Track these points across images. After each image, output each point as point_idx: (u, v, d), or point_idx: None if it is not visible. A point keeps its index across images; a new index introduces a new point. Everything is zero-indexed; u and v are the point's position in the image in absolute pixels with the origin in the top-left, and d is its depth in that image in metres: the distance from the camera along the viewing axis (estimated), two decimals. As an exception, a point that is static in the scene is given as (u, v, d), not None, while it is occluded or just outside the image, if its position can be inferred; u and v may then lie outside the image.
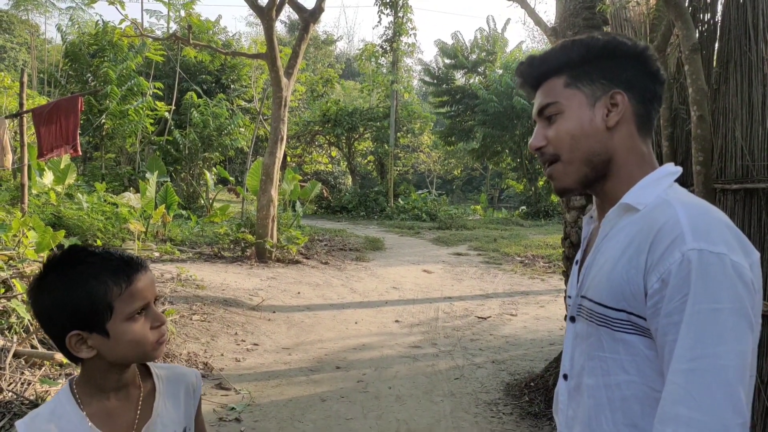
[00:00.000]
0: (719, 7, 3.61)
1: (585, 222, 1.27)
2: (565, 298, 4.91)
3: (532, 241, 14.21)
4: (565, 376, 1.18)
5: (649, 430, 1.00)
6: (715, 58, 3.59)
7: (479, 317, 7.38)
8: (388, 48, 21.84)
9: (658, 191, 1.08)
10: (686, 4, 3.64)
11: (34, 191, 11.10)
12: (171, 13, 20.36)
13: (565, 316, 1.17)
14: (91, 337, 1.14)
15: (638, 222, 1.05)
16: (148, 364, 1.29)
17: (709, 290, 0.92)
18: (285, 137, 10.51)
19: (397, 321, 7.12)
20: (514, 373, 5.29)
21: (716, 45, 3.58)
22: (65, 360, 4.16)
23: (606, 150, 1.13)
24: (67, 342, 1.14)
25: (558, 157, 1.16)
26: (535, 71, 1.20)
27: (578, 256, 1.25)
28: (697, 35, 3.64)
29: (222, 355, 5.45)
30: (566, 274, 4.78)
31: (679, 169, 1.13)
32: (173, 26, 21.17)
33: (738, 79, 3.36)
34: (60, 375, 4.05)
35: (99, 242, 6.08)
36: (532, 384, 4.85)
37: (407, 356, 5.76)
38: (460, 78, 26.87)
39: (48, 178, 12.30)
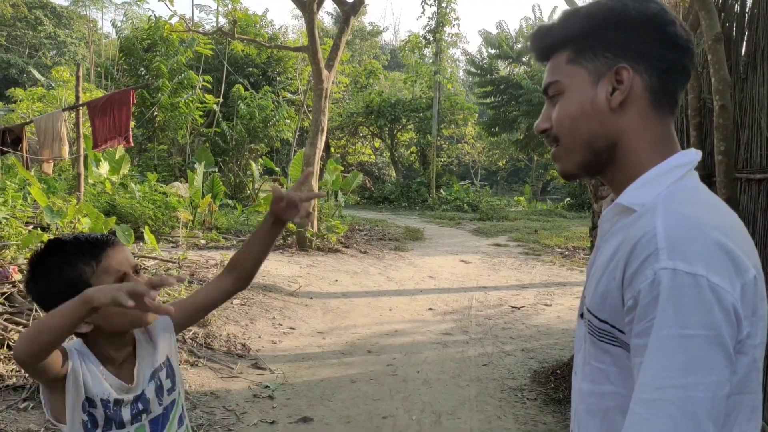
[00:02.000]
0: (749, -3, 3.58)
1: (600, 221, 1.11)
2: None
3: (573, 232, 14.08)
4: (576, 373, 1.12)
5: None
6: (743, 47, 3.57)
7: (513, 307, 7.44)
8: (432, 39, 21.83)
9: (660, 189, 0.96)
10: (713, -6, 3.63)
11: (90, 181, 11.67)
12: (220, 8, 20.86)
13: (579, 313, 1.11)
14: None
15: (627, 227, 0.95)
16: None
17: (679, 314, 0.83)
18: (326, 128, 10.74)
19: (430, 309, 7.26)
20: (542, 361, 5.36)
21: (745, 34, 3.57)
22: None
23: (609, 134, 1.01)
24: None
25: (557, 139, 1.06)
26: (541, 44, 1.09)
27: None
28: (727, 24, 3.64)
29: (259, 337, 5.70)
30: (594, 264, 4.82)
31: (693, 159, 1.00)
32: (222, 21, 21.71)
33: (765, 68, 3.35)
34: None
35: (147, 229, 6.42)
36: (558, 371, 4.92)
37: (438, 342, 5.89)
38: (504, 68, 26.62)
39: (104, 168, 12.91)
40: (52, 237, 1.43)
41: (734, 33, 3.63)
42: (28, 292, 1.39)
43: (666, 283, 0.84)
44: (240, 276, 1.57)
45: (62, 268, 1.33)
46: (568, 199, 23.18)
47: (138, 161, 18.70)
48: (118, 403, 1.37)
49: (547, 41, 1.08)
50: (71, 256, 1.34)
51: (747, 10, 3.56)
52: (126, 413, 1.38)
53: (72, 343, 1.40)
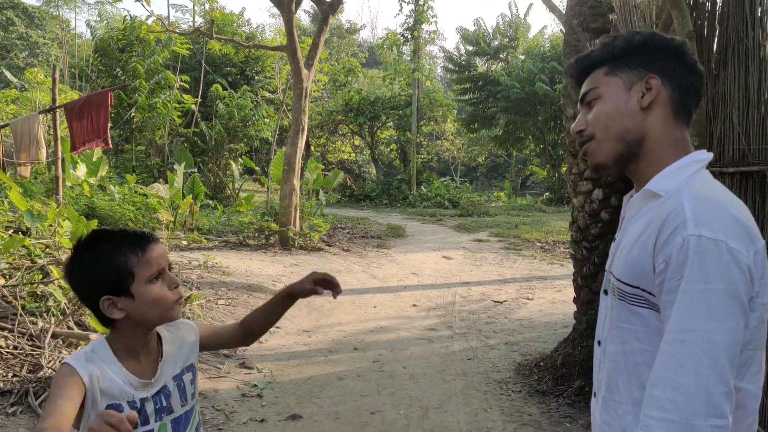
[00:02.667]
0: (719, -5, 3.69)
1: (624, 202, 1.34)
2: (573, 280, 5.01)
3: (553, 227, 14.26)
4: (599, 343, 1.31)
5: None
6: (715, 44, 3.68)
7: (495, 301, 7.54)
8: (410, 36, 21.90)
9: (681, 179, 1.16)
10: (685, -7, 3.73)
11: (68, 183, 11.53)
12: (196, 7, 20.70)
13: (603, 289, 1.32)
14: (120, 300, 1.38)
15: (656, 208, 1.15)
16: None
17: (703, 272, 1.02)
18: (306, 127, 10.74)
19: (414, 305, 7.33)
20: (525, 354, 5.45)
21: (716, 31, 3.68)
22: (99, 340, 4.47)
23: (639, 129, 1.21)
24: (101, 306, 1.38)
25: (593, 136, 1.25)
26: (580, 66, 1.31)
27: (616, 235, 1.35)
28: (699, 22, 3.74)
29: (245, 337, 5.72)
30: (575, 258, 4.92)
31: (708, 156, 1.20)
32: (198, 20, 21.55)
33: (735, 65, 3.45)
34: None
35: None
36: (542, 364, 5.01)
37: (423, 338, 5.96)
38: (482, 65, 26.80)
39: (81, 170, 12.75)
40: (97, 228, 1.50)
41: (705, 30, 3.73)
42: (68, 276, 1.43)
43: (693, 247, 1.04)
44: (249, 336, 1.74)
45: (111, 254, 1.39)
46: (548, 193, 23.44)
47: (115, 163, 18.50)
48: (143, 401, 1.43)
49: (587, 62, 1.29)
50: (120, 244, 1.40)
51: (717, 7, 3.67)
52: (150, 408, 1.44)
53: (87, 347, 1.44)
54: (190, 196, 12.30)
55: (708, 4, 3.76)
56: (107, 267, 1.38)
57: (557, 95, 20.78)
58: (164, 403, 1.47)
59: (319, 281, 1.63)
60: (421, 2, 21.45)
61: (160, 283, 1.42)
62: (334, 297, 1.64)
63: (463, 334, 6.10)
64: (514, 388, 4.64)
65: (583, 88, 1.30)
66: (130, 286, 1.38)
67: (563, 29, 5.77)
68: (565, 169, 22.41)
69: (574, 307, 7.32)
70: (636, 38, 1.24)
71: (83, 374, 1.33)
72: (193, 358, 1.59)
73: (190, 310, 5.84)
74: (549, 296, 7.85)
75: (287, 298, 1.68)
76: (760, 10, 3.39)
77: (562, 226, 14.30)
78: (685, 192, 1.12)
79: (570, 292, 8.04)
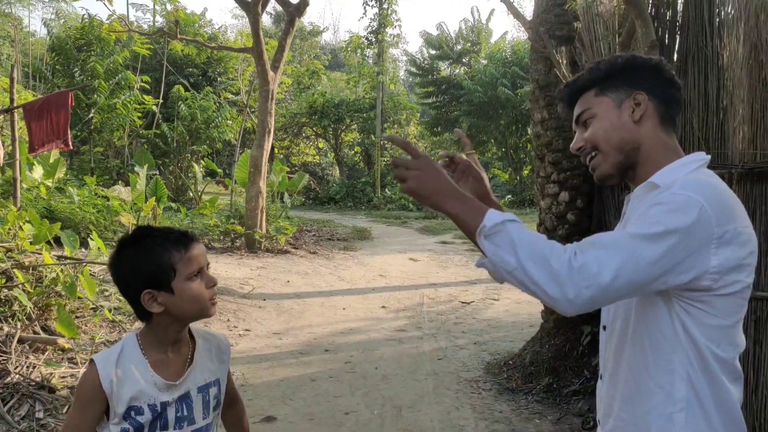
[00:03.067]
0: (679, 6, 3.86)
1: (625, 202, 1.46)
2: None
3: (516, 229, 14.50)
4: (605, 327, 1.42)
5: (654, 356, 1.25)
6: (675, 52, 3.84)
7: (463, 302, 7.65)
8: (374, 39, 21.98)
9: (680, 175, 1.28)
10: (648, 3, 3.89)
11: (24, 185, 11.20)
12: (157, 7, 20.34)
13: None
14: (160, 294, 1.43)
15: (654, 195, 1.27)
16: (191, 328, 1.57)
17: (667, 212, 1.15)
18: (272, 130, 10.70)
19: (383, 307, 7.38)
20: (494, 353, 5.56)
21: (677, 40, 3.84)
22: (67, 345, 4.38)
23: (635, 139, 1.34)
24: (142, 299, 1.42)
25: (596, 149, 1.38)
26: (569, 90, 1.44)
27: (617, 227, 1.47)
28: (660, 31, 3.90)
29: (215, 340, 5.67)
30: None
31: (704, 157, 1.32)
32: (159, 20, 21.18)
33: (695, 72, 3.61)
34: (63, 359, 4.27)
35: (95, 234, 6.27)
36: (510, 362, 5.12)
37: (393, 339, 6.02)
38: (445, 69, 27.07)
39: (38, 172, 12.38)
40: (142, 225, 1.54)
41: (667, 39, 3.90)
42: (112, 269, 1.47)
43: (673, 196, 1.18)
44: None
45: (155, 249, 1.43)
46: (509, 196, 23.80)
47: (72, 164, 18.01)
48: (164, 405, 1.45)
49: (576, 86, 1.43)
50: (164, 240, 1.45)
51: (678, 17, 3.83)
52: (171, 414, 1.46)
53: (117, 346, 1.48)
54: (153, 198, 12.07)
55: (669, 13, 3.93)
56: (151, 261, 1.42)
57: (519, 100, 21.15)
58: (185, 412, 1.49)
59: None
60: (385, 6, 21.57)
61: (199, 280, 1.46)
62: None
63: (432, 335, 6.18)
64: (484, 386, 4.73)
65: (576, 110, 1.43)
66: (171, 282, 1.42)
67: (527, 36, 5.91)
68: (527, 172, 22.85)
69: (539, 307, 7.49)
70: (618, 61, 1.38)
71: (104, 379, 1.39)
72: (221, 374, 1.61)
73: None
74: (514, 297, 8.00)
75: None
76: (718, 20, 3.55)
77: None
78: (679, 180, 1.25)
79: (535, 293, 8.23)
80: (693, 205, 1.15)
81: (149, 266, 1.43)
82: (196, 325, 1.59)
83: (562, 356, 4.69)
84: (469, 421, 4.07)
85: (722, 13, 3.53)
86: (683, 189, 1.18)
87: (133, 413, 1.41)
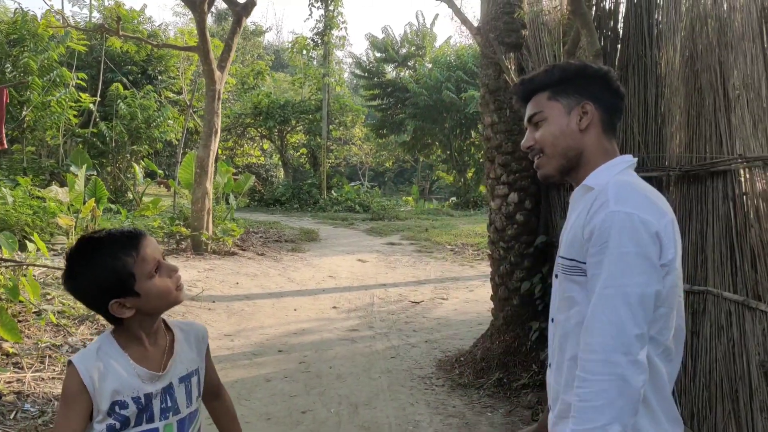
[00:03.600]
0: (621, 17, 4.08)
1: (570, 200, 1.59)
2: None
3: (461, 230, 14.80)
4: (552, 320, 1.53)
5: None
6: (616, 61, 4.05)
7: (413, 302, 7.77)
8: (319, 41, 21.94)
9: (611, 175, 1.43)
10: (592, 14, 4.10)
11: (-49, 186, 10.62)
12: (94, 2, 19.66)
13: (555, 274, 1.58)
14: (127, 300, 1.43)
15: (590, 198, 1.40)
16: (167, 320, 1.58)
17: (620, 239, 1.27)
18: (219, 130, 10.55)
19: (334, 307, 7.42)
20: (445, 351, 5.69)
21: (618, 49, 4.05)
22: (11, 349, 4.22)
23: (578, 146, 1.48)
24: (111, 309, 1.42)
25: (543, 151, 1.51)
26: (525, 88, 1.56)
27: (564, 226, 1.61)
28: (602, 41, 4.11)
29: (165, 343, 5.57)
30: (492, 257, 5.20)
31: (630, 159, 1.48)
32: (96, 15, 20.47)
33: (636, 80, 3.83)
34: (7, 364, 4.11)
35: (36, 236, 6.05)
36: (461, 359, 5.26)
37: (346, 339, 6.06)
38: (390, 71, 27.29)
39: (-34, 172, 11.77)
40: (84, 235, 1.50)
41: (609, 48, 4.11)
42: (69, 288, 1.44)
43: (612, 220, 1.30)
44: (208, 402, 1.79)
45: (106, 261, 1.40)
46: (454, 198, 24.23)
47: (0, 164, 17.16)
48: (148, 397, 1.45)
49: (531, 86, 1.55)
50: (112, 249, 1.42)
51: (619, 27, 4.05)
52: (156, 406, 1.46)
53: (94, 344, 1.47)
54: (92, 199, 11.67)
55: (611, 22, 4.15)
56: (107, 275, 1.40)
57: (463, 103, 21.57)
58: (170, 403, 1.50)
59: None
60: (331, 8, 21.57)
61: (159, 274, 1.46)
62: None
63: (384, 334, 6.26)
64: (437, 382, 4.84)
65: (529, 110, 1.55)
66: (133, 286, 1.42)
67: (473, 41, 6.07)
68: (471, 174, 23.30)
69: (487, 306, 7.69)
70: (571, 68, 1.51)
71: (85, 377, 1.38)
72: (200, 362, 1.62)
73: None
74: (462, 296, 8.20)
75: None
76: (656, 31, 3.77)
77: (470, 229, 14.88)
78: (612, 181, 1.39)
79: (481, 292, 8.44)
80: (635, 220, 1.29)
81: (107, 280, 1.41)
82: (170, 318, 1.60)
83: (512, 352, 4.85)
84: (423, 416, 4.17)
85: (660, 24, 3.75)
86: (617, 204, 1.31)
87: (117, 408, 1.41)
